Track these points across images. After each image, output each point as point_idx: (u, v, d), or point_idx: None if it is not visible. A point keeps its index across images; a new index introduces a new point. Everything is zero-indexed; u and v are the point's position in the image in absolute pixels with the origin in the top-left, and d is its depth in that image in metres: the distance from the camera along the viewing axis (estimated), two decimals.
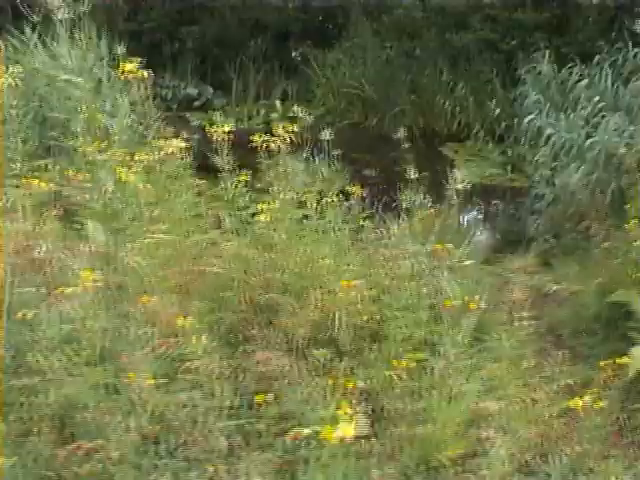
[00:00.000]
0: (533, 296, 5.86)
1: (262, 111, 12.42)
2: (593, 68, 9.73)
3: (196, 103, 12.69)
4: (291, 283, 4.03)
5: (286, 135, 4.75)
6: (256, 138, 4.86)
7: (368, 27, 12.58)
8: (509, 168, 9.59)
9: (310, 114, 12.38)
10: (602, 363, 3.57)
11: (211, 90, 12.94)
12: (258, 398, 3.17)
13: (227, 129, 5.04)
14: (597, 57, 9.72)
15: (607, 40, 10.58)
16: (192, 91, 12.82)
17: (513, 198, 8.57)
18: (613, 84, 8.81)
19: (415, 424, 3.24)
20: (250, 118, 12.22)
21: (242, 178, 5.14)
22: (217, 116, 11.67)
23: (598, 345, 4.22)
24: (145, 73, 4.64)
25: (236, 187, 5.22)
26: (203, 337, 3.07)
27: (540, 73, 10.06)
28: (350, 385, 3.12)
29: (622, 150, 6.32)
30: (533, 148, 8.74)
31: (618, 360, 3.45)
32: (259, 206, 4.68)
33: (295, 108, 12.44)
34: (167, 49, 13.48)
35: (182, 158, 4.94)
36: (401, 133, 11.07)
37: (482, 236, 7.50)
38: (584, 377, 3.87)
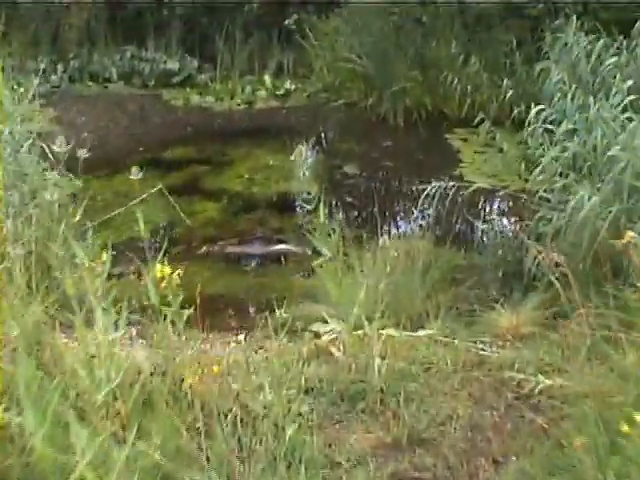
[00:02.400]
0: (501, 401, 3.73)
1: (248, 88, 10.25)
2: (634, 39, 7.41)
3: (176, 79, 10.58)
4: None
5: None
6: None
7: None
8: (523, 165, 7.30)
9: (304, 91, 10.40)
10: None
11: (195, 64, 10.82)
12: None
13: None
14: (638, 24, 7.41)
15: None
16: (173, 65, 10.71)
17: (520, 210, 6.32)
18: None
19: None
20: (233, 96, 10.07)
21: None
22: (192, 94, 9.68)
23: None
24: None
25: None
26: None
27: (567, 45, 7.74)
28: None
29: None
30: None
31: None
32: None
33: (287, 84, 10.44)
34: (152, 17, 11.36)
35: None
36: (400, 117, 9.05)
37: (468, 274, 5.29)
38: None
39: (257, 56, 10.88)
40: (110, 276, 5.43)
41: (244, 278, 5.58)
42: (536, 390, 3.62)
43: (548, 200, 5.42)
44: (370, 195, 7.09)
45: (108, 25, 11.33)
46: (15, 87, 7.62)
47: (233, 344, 4.46)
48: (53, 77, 10.51)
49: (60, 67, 10.71)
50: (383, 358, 3.77)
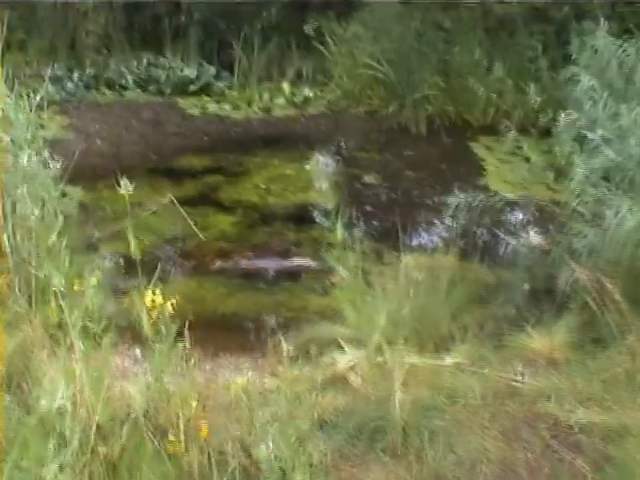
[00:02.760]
0: (537, 439, 3.32)
1: (265, 95, 9.89)
2: None
3: (192, 86, 10.22)
4: None
5: None
6: None
7: None
8: (551, 175, 6.92)
9: (323, 99, 10.02)
10: None
11: (213, 71, 10.44)
12: None
13: None
14: None
15: None
16: (190, 72, 10.36)
17: (549, 221, 5.93)
18: None
19: None
20: (250, 104, 9.71)
21: None
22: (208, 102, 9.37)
23: None
24: None
25: None
26: None
27: (597, 51, 7.32)
28: None
29: None
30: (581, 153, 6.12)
31: None
32: None
33: (306, 91, 10.06)
34: (170, 23, 11.00)
35: None
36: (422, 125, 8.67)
37: (496, 292, 4.89)
38: None
39: (275, 63, 10.50)
40: (116, 292, 5.12)
41: (258, 295, 5.22)
42: (575, 427, 3.23)
43: (581, 213, 5.03)
44: (391, 206, 6.72)
45: (125, 31, 11.02)
46: (30, 94, 7.37)
47: (243, 369, 4.09)
48: (69, 84, 10.20)
49: (76, 74, 10.40)
50: (405, 389, 3.39)
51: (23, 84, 8.95)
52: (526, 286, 5.01)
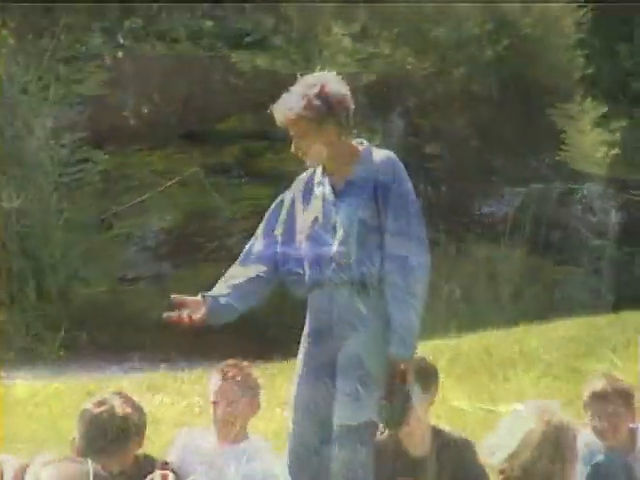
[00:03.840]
0: None
1: (325, 51, 8.98)
2: None
3: (247, 39, 9.35)
4: None
5: None
6: None
7: None
8: None
9: (389, 57, 9.05)
10: None
11: (270, 24, 9.54)
12: None
13: None
14: None
15: None
16: (245, 25, 9.47)
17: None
18: None
19: None
20: (308, 60, 8.81)
21: None
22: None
23: None
24: None
25: None
26: None
27: None
28: None
29: None
30: None
31: None
32: None
33: (370, 48, 9.09)
34: None
35: None
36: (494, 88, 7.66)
37: (568, 300, 3.96)
38: None
39: (338, 16, 9.54)
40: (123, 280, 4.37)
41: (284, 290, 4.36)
42: None
43: None
44: (453, 184, 5.80)
45: None
46: (78, 46, 6.73)
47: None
48: (118, 35, 9.44)
49: (126, 25, 9.62)
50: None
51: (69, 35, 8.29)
52: (608, 295, 4.05)
